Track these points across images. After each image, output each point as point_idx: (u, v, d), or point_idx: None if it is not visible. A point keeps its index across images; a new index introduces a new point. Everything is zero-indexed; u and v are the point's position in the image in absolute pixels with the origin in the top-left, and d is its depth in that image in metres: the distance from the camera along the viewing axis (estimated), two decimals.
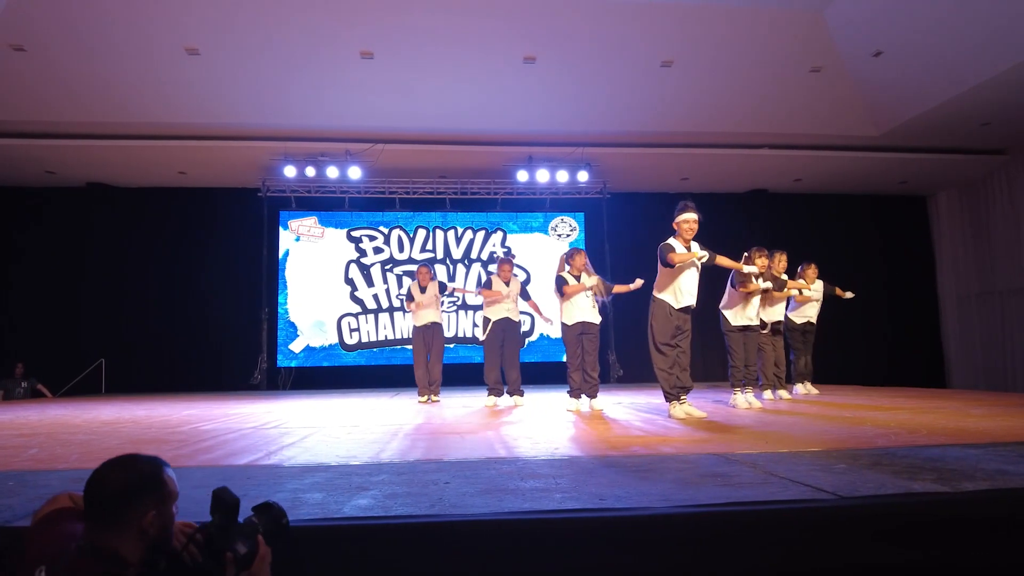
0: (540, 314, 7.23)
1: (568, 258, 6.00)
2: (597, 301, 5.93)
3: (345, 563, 1.43)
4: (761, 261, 6.02)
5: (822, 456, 2.88)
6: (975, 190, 12.31)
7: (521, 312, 7.29)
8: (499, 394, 6.88)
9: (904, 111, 9.58)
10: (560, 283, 5.94)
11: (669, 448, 3.28)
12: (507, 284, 7.09)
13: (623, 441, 3.60)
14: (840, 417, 4.77)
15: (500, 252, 11.89)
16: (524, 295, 7.25)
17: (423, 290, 7.60)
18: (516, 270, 7.48)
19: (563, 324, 5.97)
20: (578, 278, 5.93)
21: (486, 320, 7.00)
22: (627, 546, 1.49)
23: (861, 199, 12.98)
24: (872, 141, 10.57)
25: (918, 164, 11.34)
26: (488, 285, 7.13)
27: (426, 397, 7.38)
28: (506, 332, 6.96)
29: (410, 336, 7.99)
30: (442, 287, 7.92)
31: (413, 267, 11.69)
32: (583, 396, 5.94)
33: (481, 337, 7.10)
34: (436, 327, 7.65)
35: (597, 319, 5.95)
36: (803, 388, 7.42)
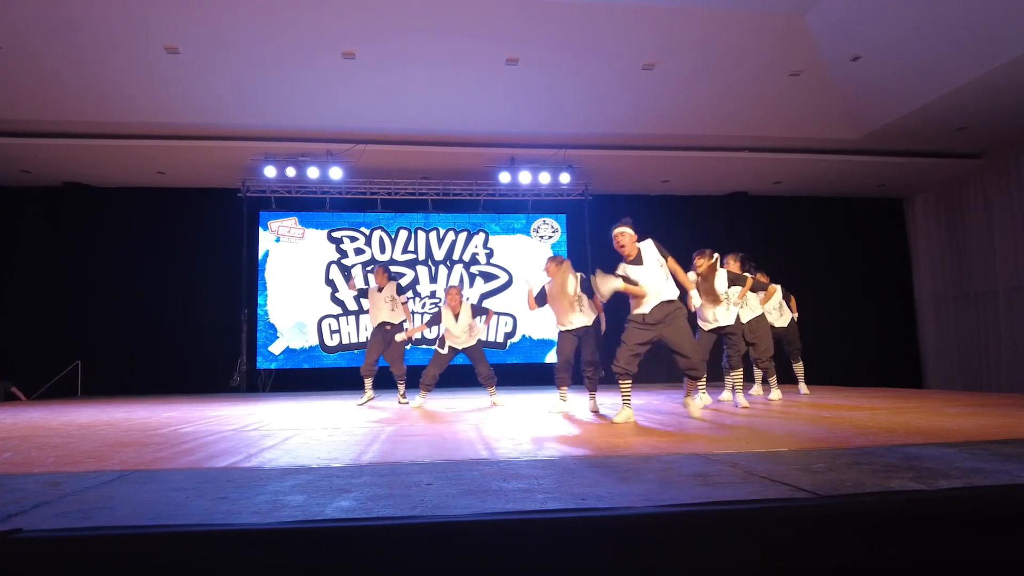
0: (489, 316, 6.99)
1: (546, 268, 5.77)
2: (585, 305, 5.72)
3: (327, 565, 1.42)
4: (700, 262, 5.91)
5: (801, 456, 2.91)
6: (951, 193, 12.50)
7: (500, 313, 7.17)
8: (429, 391, 6.93)
9: (882, 115, 9.72)
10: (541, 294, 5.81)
11: (650, 448, 3.29)
12: (456, 317, 6.77)
13: (605, 441, 3.61)
14: (819, 417, 4.82)
15: (482, 253, 11.88)
16: (480, 311, 7.00)
17: (380, 289, 7.23)
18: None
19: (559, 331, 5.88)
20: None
21: (442, 339, 6.88)
22: (609, 546, 1.49)
23: (840, 201, 13.14)
24: (851, 144, 10.70)
25: (896, 167, 11.50)
26: (437, 318, 6.88)
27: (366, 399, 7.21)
28: (464, 351, 6.92)
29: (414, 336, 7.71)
30: (400, 289, 7.44)
31: (394, 268, 11.68)
32: (569, 395, 5.93)
33: (439, 350, 6.91)
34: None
35: (587, 320, 5.72)
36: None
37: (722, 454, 3.01)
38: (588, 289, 5.64)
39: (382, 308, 7.20)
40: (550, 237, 12.04)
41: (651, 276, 4.75)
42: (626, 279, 4.74)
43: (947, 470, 2.47)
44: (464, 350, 6.90)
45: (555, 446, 3.47)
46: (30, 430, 4.85)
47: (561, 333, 5.83)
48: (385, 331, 7.20)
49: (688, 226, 12.59)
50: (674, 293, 4.78)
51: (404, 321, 7.24)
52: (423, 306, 11.63)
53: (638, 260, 4.81)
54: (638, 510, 1.78)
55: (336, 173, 10.69)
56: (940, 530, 1.55)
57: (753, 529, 1.54)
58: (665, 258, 4.83)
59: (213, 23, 8.17)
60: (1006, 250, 11.22)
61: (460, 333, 6.76)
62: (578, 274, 5.74)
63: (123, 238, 11.54)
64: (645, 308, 4.75)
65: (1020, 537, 1.55)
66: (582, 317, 5.70)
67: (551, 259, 5.83)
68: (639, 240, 4.87)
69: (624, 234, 4.81)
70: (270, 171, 10.62)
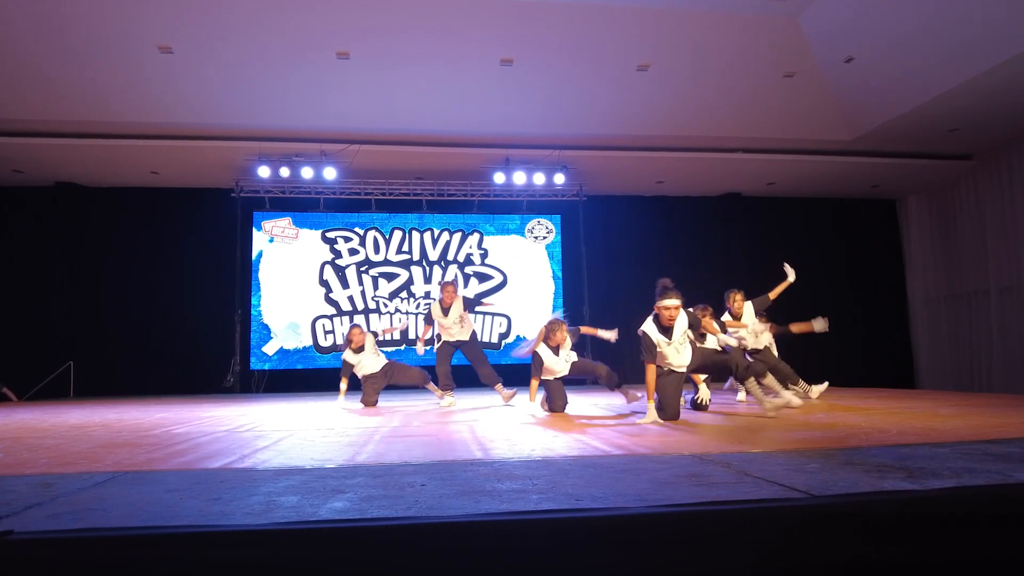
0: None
1: (548, 332, 5.77)
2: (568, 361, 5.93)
3: (321, 566, 1.42)
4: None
5: (795, 456, 2.92)
6: (943, 194, 12.56)
7: (495, 314, 7.30)
8: (451, 389, 6.98)
9: (875, 116, 9.75)
10: (537, 364, 5.85)
11: (644, 448, 3.30)
12: (446, 312, 6.87)
13: (598, 442, 3.61)
14: (813, 417, 4.83)
15: (477, 254, 11.88)
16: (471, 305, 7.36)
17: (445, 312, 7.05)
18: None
19: (535, 355, 5.88)
20: (556, 350, 5.81)
21: (438, 336, 7.13)
22: (603, 546, 1.49)
23: (833, 202, 13.18)
24: (844, 145, 10.73)
25: (889, 168, 11.54)
26: (429, 317, 7.10)
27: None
28: (459, 347, 7.04)
29: (387, 338, 7.94)
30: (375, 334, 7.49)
31: (389, 269, 11.68)
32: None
33: (435, 347, 7.23)
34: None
35: (565, 371, 5.91)
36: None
37: (716, 454, 3.02)
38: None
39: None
40: (545, 238, 12.04)
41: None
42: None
43: (940, 470, 2.48)
44: (463, 349, 6.95)
45: (549, 446, 3.47)
46: (22, 431, 4.83)
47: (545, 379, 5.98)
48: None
49: (682, 227, 12.62)
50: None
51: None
52: (417, 306, 11.62)
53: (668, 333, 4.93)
54: (632, 510, 1.78)
55: (330, 173, 10.66)
56: (933, 530, 1.56)
57: (747, 529, 1.55)
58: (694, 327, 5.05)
59: (206, 22, 8.14)
60: (998, 251, 11.27)
61: (451, 325, 6.90)
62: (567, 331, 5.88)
63: (116, 238, 11.48)
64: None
65: (1012, 536, 1.56)
66: (564, 370, 5.90)
67: (558, 324, 5.79)
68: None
69: (676, 307, 4.81)
70: (264, 171, 10.59)
